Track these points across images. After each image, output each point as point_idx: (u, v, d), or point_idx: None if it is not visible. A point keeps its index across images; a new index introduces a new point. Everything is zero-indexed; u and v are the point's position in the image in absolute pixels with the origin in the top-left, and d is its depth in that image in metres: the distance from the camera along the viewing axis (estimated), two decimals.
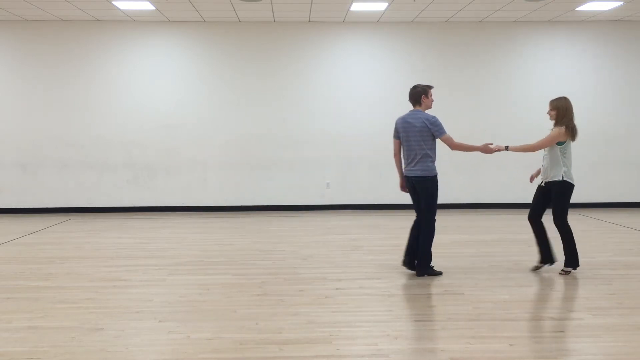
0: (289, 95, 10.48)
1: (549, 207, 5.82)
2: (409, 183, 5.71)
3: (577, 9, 9.46)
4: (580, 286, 5.31)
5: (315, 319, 4.38)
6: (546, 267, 5.88)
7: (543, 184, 5.79)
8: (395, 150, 5.79)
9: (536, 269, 5.89)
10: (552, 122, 5.72)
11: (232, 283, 5.46)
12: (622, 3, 9.11)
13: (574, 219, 9.32)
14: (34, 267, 6.15)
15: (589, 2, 9.05)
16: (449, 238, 7.75)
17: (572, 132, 5.59)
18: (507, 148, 5.76)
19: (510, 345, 3.85)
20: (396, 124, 5.72)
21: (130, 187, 10.45)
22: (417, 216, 5.78)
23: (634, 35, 10.54)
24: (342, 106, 10.52)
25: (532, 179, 6.18)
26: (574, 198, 10.79)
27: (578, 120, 11.41)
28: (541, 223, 5.88)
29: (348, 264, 6.24)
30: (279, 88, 10.47)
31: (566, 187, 5.62)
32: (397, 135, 5.72)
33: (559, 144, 5.59)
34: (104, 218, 9.79)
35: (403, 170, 5.77)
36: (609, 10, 9.57)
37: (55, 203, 10.36)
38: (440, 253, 6.77)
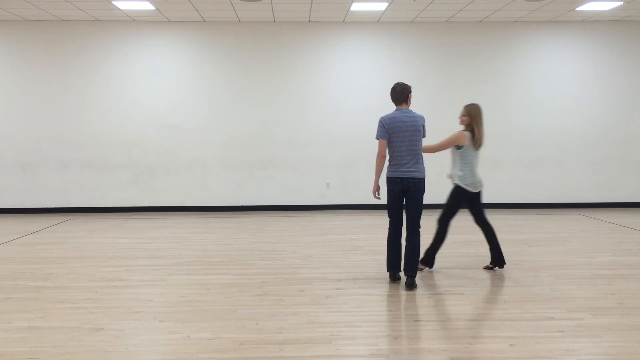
0: (289, 95, 10.49)
1: (478, 206, 5.86)
2: (402, 185, 5.25)
3: (577, 9, 9.46)
4: (580, 286, 5.31)
5: (315, 319, 4.38)
6: (497, 269, 5.94)
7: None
8: (384, 151, 5.31)
9: (487, 268, 5.98)
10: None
11: (232, 283, 5.46)
12: (622, 3, 9.11)
13: (574, 219, 9.40)
14: (34, 267, 6.15)
15: (589, 2, 9.05)
16: (449, 238, 7.71)
17: (474, 140, 5.61)
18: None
19: (510, 345, 3.85)
20: (386, 123, 5.26)
21: (130, 187, 10.45)
22: (396, 223, 5.41)
23: (634, 35, 10.54)
24: (342, 106, 10.53)
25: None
26: (575, 198, 10.87)
27: (579, 120, 11.44)
28: (487, 224, 5.91)
29: (348, 264, 6.24)
30: (279, 88, 10.47)
31: (458, 191, 5.65)
32: (385, 135, 5.27)
33: (458, 147, 5.61)
34: (104, 218, 9.79)
35: (390, 172, 5.32)
36: (609, 10, 9.57)
37: (55, 203, 10.36)
38: (440, 253, 6.78)
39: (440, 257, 6.58)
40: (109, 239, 7.84)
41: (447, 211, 5.79)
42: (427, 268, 5.90)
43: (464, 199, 5.73)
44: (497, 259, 5.88)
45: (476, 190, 5.71)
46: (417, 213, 5.35)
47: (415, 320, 4.39)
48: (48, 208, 10.35)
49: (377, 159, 5.35)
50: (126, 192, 10.45)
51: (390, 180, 5.34)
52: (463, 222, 9.11)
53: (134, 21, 10.21)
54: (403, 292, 5.16)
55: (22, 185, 10.33)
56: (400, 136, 5.24)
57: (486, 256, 6.61)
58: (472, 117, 5.66)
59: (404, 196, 5.35)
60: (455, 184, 5.70)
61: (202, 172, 10.51)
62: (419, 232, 5.37)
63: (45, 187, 10.35)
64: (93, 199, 10.42)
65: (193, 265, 6.21)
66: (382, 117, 5.32)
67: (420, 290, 5.20)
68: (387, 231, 5.49)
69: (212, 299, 4.94)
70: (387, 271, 5.50)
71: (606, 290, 5.17)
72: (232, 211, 10.48)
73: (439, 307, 4.70)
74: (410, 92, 5.42)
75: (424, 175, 5.37)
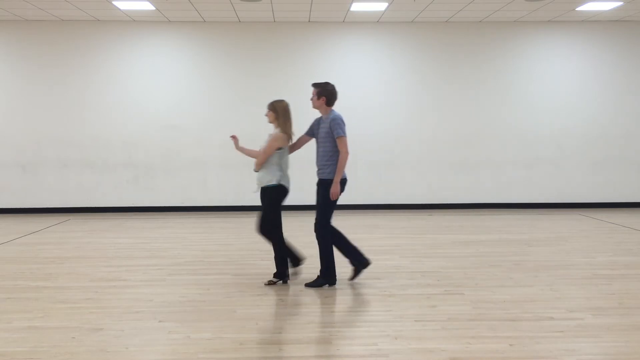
0: (289, 95, 10.33)
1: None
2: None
3: (577, 9, 9.46)
4: (580, 286, 5.31)
5: (315, 319, 4.38)
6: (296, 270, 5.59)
7: (258, 191, 5.51)
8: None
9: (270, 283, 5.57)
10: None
11: (232, 283, 5.46)
12: (622, 3, 9.11)
13: (574, 219, 9.39)
14: (34, 267, 6.15)
15: (589, 2, 9.05)
16: (449, 238, 7.76)
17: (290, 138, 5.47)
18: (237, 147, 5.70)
19: (510, 345, 3.85)
20: (344, 122, 5.53)
21: (130, 187, 10.45)
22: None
23: (634, 35, 10.54)
24: (342, 106, 10.44)
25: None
26: (575, 198, 10.88)
27: (579, 120, 11.44)
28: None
29: (348, 264, 6.22)
30: (279, 88, 10.44)
31: (281, 192, 5.39)
32: None
33: (278, 149, 5.44)
34: (104, 218, 9.79)
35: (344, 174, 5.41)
36: (609, 10, 9.57)
37: (55, 203, 10.36)
38: (440, 253, 6.80)
39: (440, 257, 6.59)
40: (109, 239, 7.84)
41: (278, 216, 5.45)
42: (279, 281, 5.46)
43: (284, 197, 5.47)
44: (295, 260, 5.52)
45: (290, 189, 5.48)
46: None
47: (415, 320, 4.39)
48: (48, 208, 10.34)
49: (346, 157, 5.31)
50: (126, 192, 10.45)
51: (343, 182, 5.41)
52: (463, 222, 9.14)
53: (134, 21, 10.20)
54: (403, 292, 5.15)
55: (22, 185, 10.32)
56: None
57: (486, 255, 6.62)
58: (277, 114, 5.48)
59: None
60: (276, 185, 5.34)
61: (202, 172, 10.50)
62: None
63: (45, 187, 10.35)
64: (93, 199, 10.42)
65: (193, 265, 6.21)
66: (340, 116, 5.45)
67: (420, 290, 5.19)
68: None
69: (212, 299, 4.94)
70: (363, 267, 5.42)
71: (606, 290, 5.16)
72: (232, 211, 10.48)
73: (439, 307, 4.70)
74: None
75: None
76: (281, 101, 5.57)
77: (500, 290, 5.16)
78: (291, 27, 10.37)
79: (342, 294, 5.09)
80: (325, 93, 5.47)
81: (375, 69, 10.47)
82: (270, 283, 5.40)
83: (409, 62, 10.50)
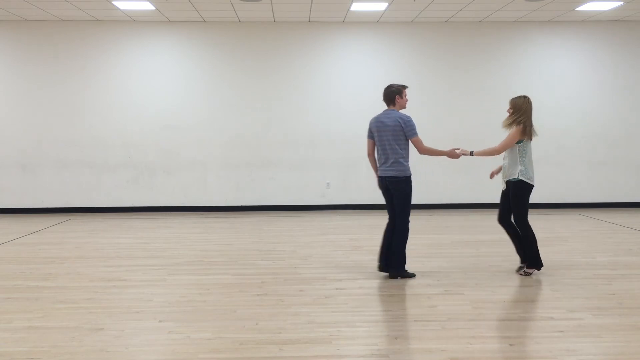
0: (289, 95, 10.49)
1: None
2: (382, 183, 5.60)
3: (577, 9, 9.46)
4: (580, 286, 5.31)
5: (315, 319, 4.38)
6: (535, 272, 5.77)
7: (504, 184, 5.87)
8: (368, 150, 5.74)
9: (520, 269, 5.80)
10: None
11: (232, 283, 5.46)
12: (622, 3, 9.11)
13: (575, 219, 9.40)
14: (34, 267, 6.15)
15: (589, 2, 9.05)
16: (449, 238, 7.76)
17: (529, 132, 5.54)
18: (472, 153, 5.77)
19: (510, 345, 3.85)
20: (370, 123, 5.68)
21: (130, 187, 10.45)
22: (389, 218, 5.68)
23: (634, 35, 10.54)
24: (342, 106, 10.52)
25: (492, 176, 6.23)
26: (575, 198, 10.86)
27: (579, 120, 11.42)
28: (511, 224, 5.89)
29: (348, 264, 6.24)
30: (279, 88, 10.47)
31: (522, 187, 5.59)
32: (370, 135, 5.66)
33: (517, 142, 5.56)
34: (104, 218, 9.79)
35: (377, 170, 5.69)
36: (609, 10, 9.57)
37: (55, 203, 10.36)
38: (440, 253, 6.80)
39: (440, 257, 6.59)
40: (109, 239, 7.84)
41: (522, 210, 5.69)
42: (535, 270, 5.69)
43: (528, 192, 5.66)
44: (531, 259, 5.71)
45: (534, 183, 5.66)
46: (399, 210, 5.55)
47: (415, 320, 4.39)
48: (48, 208, 10.35)
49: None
50: (126, 192, 10.45)
51: (379, 178, 5.69)
52: (463, 222, 9.13)
53: (134, 21, 10.20)
54: (403, 292, 5.15)
55: (22, 185, 10.32)
56: (379, 136, 5.56)
57: (486, 255, 6.62)
58: (514, 109, 5.60)
59: (389, 193, 5.62)
60: (516, 179, 5.58)
61: (202, 172, 10.50)
62: (402, 228, 5.53)
63: (45, 187, 10.35)
64: (93, 199, 10.42)
65: (193, 265, 6.21)
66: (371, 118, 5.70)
67: (420, 290, 5.19)
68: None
69: (212, 299, 4.94)
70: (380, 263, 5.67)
71: (606, 290, 5.16)
72: (232, 211, 10.48)
73: (439, 307, 4.70)
74: (397, 94, 5.60)
75: (403, 175, 5.48)
76: (520, 97, 5.65)
77: (500, 290, 5.16)
78: (291, 27, 10.37)
79: (342, 294, 5.09)
80: None
81: (375, 69, 10.46)
82: (525, 274, 5.64)
83: (409, 62, 10.50)
